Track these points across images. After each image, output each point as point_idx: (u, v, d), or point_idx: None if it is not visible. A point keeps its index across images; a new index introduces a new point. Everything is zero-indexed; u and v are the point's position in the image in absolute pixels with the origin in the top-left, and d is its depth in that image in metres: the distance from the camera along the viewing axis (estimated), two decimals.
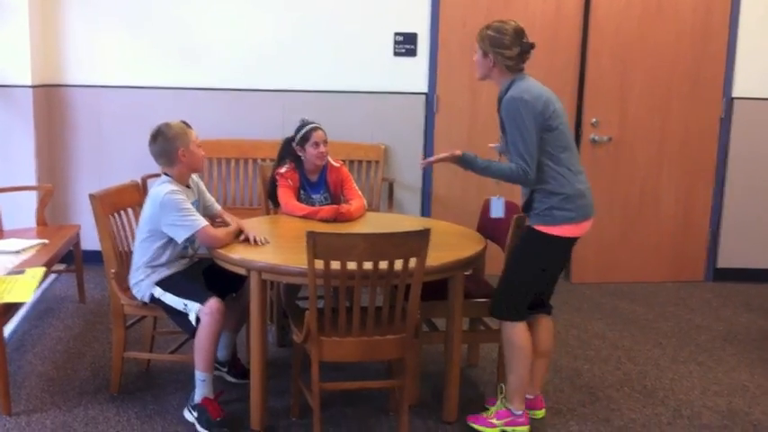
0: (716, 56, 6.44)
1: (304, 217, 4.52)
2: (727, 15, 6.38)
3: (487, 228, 4.43)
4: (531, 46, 3.74)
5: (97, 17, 6.35)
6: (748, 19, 6.39)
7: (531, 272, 3.78)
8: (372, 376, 4.32)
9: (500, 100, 3.72)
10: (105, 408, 4.05)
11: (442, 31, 6.37)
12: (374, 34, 6.43)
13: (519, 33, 3.72)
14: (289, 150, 4.77)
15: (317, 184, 4.79)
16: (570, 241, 3.75)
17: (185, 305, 3.84)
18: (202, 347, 3.80)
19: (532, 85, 3.68)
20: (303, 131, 4.68)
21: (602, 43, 6.29)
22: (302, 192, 4.76)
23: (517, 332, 3.79)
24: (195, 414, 3.85)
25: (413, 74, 6.48)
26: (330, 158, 4.79)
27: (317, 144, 4.65)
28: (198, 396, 3.85)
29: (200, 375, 3.84)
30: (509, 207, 4.24)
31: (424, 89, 6.48)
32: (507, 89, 3.69)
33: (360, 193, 4.81)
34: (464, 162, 3.82)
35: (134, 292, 4.05)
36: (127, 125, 6.44)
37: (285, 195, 4.68)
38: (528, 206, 3.76)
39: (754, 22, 6.40)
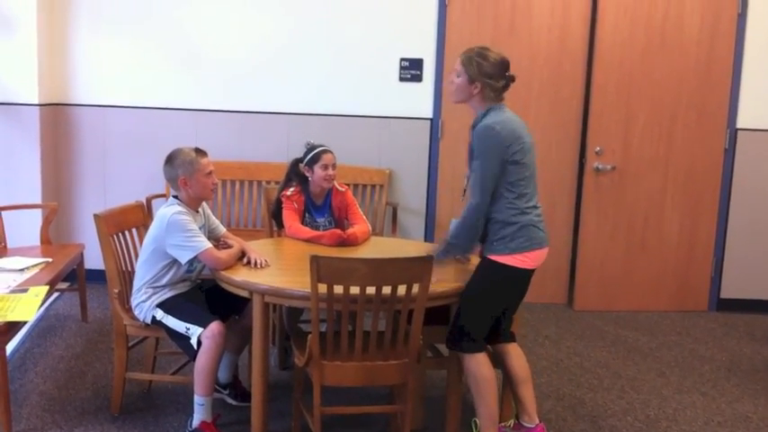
0: (720, 87, 6.46)
1: (308, 241, 4.52)
2: (731, 47, 6.40)
3: None
4: (513, 79, 3.77)
5: (104, 37, 6.39)
6: (752, 51, 6.41)
7: (486, 302, 3.76)
8: (374, 401, 4.30)
9: (474, 126, 3.75)
10: (106, 428, 4.04)
11: (447, 57, 6.38)
12: (380, 59, 6.46)
13: (505, 65, 3.74)
14: (296, 171, 4.77)
15: (322, 208, 4.80)
16: (523, 273, 3.72)
17: (187, 328, 3.83)
18: (202, 371, 3.79)
19: (507, 117, 3.69)
20: (313, 153, 4.69)
21: (606, 75, 6.32)
22: (307, 215, 4.76)
23: (479, 364, 3.74)
24: None
25: (418, 99, 6.50)
26: (336, 183, 4.80)
27: (325, 166, 4.66)
28: (196, 420, 3.84)
29: (198, 399, 3.82)
30: None
31: (430, 114, 6.50)
32: (483, 117, 3.72)
33: (364, 217, 4.82)
34: (443, 255, 3.83)
35: (136, 312, 4.05)
36: (132, 145, 6.47)
37: (290, 218, 4.69)
38: (483, 237, 3.77)
39: (757, 54, 6.41)
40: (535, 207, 3.73)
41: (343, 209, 4.83)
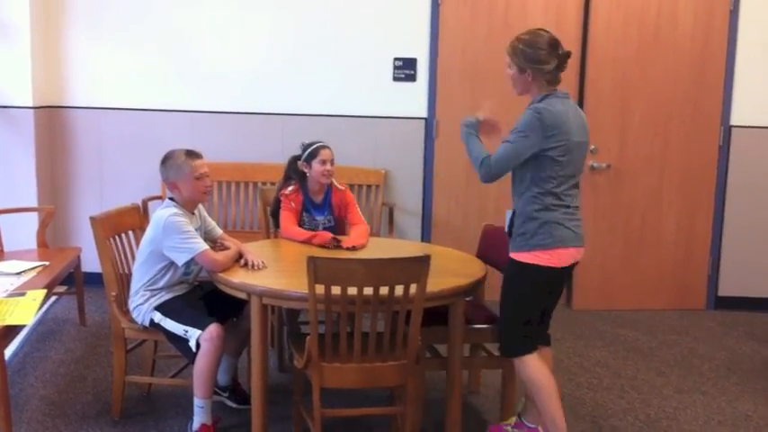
0: (714, 84, 6.47)
1: (304, 242, 4.51)
2: (724, 44, 6.42)
3: (488, 253, 4.43)
4: (568, 55, 3.61)
5: (99, 40, 6.39)
6: (746, 48, 6.42)
7: (519, 305, 3.67)
8: (374, 402, 4.29)
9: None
10: None
11: (441, 57, 6.40)
12: (374, 59, 6.46)
13: (553, 45, 3.57)
14: (294, 169, 4.76)
15: (322, 206, 4.78)
16: (549, 271, 3.58)
17: (185, 331, 3.82)
18: (202, 374, 3.78)
19: (561, 109, 3.54)
20: (311, 148, 4.68)
21: (600, 72, 6.32)
22: (305, 214, 4.74)
23: (530, 368, 3.64)
24: None
25: (412, 99, 6.50)
26: (335, 181, 4.79)
27: (323, 161, 4.64)
28: (196, 423, 3.83)
29: (198, 402, 3.82)
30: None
31: (424, 114, 6.50)
32: (539, 101, 3.57)
33: (362, 217, 4.80)
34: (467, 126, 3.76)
35: (133, 315, 4.04)
36: (128, 147, 6.46)
37: (286, 219, 4.67)
38: (509, 232, 3.70)
39: (751, 51, 6.43)
40: (566, 207, 3.58)
41: (342, 207, 4.82)
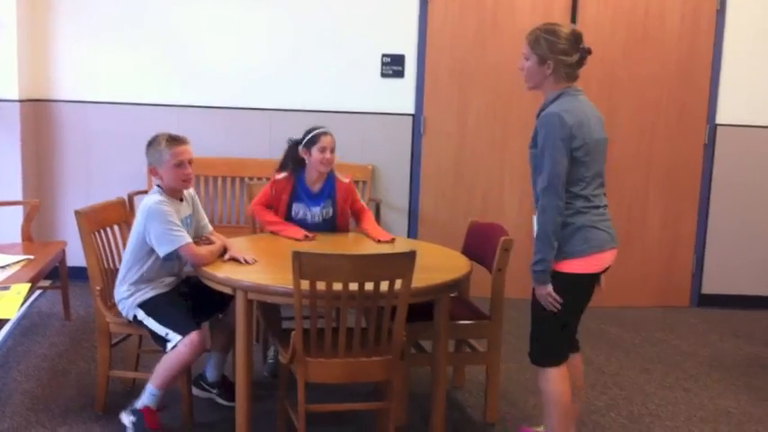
0: (700, 83, 6.51)
1: (272, 231, 4.49)
2: (711, 44, 6.45)
3: (473, 249, 4.44)
4: (589, 51, 3.48)
5: (86, 33, 6.36)
6: (731, 47, 6.47)
7: (554, 314, 3.47)
8: (360, 398, 4.29)
9: (539, 113, 3.46)
10: (90, 427, 4.02)
11: (429, 53, 6.41)
12: (362, 55, 6.46)
13: (577, 38, 3.44)
14: (292, 155, 4.58)
15: (319, 196, 4.58)
16: (582, 278, 3.47)
17: (167, 334, 3.80)
18: (168, 369, 3.77)
19: (578, 107, 3.42)
20: (312, 134, 4.51)
21: (587, 70, 6.25)
22: (298, 203, 4.57)
23: (549, 381, 3.52)
24: (133, 419, 3.80)
25: (400, 95, 6.51)
26: (338, 174, 4.62)
27: (323, 149, 4.46)
28: (140, 404, 3.81)
29: (152, 390, 3.80)
30: (496, 228, 4.26)
31: (412, 110, 6.51)
32: (552, 102, 3.43)
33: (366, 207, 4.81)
34: (538, 283, 3.47)
35: (119, 307, 4.02)
36: (114, 142, 6.44)
37: (259, 199, 4.60)
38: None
39: (738, 51, 6.47)
40: (596, 207, 3.46)
41: (348, 200, 4.65)
